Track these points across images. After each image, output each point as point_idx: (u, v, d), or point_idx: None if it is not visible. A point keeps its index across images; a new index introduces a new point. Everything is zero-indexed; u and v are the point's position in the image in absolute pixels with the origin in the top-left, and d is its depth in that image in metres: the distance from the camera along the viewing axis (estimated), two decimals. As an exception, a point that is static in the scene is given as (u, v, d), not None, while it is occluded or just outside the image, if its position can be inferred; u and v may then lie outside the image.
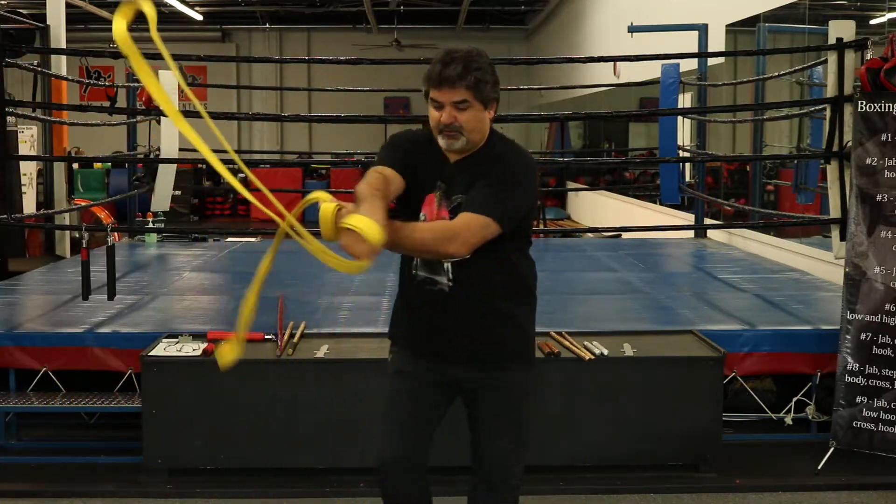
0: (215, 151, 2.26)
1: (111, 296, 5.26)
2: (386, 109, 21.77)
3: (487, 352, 2.81)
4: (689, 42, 8.49)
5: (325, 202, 2.30)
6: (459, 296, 2.75)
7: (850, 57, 5.05)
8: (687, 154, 8.44)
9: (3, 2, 14.53)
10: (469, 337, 2.79)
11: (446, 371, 2.83)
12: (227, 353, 2.49)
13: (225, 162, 2.30)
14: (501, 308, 2.79)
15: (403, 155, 2.74)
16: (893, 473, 4.36)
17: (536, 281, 2.93)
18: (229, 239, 8.94)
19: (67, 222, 8.23)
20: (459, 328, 2.78)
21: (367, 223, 2.26)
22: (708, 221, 8.62)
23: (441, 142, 2.73)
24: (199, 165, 17.57)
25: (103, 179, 17.24)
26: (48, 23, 9.03)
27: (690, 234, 8.86)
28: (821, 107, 5.70)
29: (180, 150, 7.86)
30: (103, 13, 17.38)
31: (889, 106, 4.46)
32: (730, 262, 7.35)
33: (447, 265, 2.75)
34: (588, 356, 4.33)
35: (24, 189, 8.18)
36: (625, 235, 9.97)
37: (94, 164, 17.44)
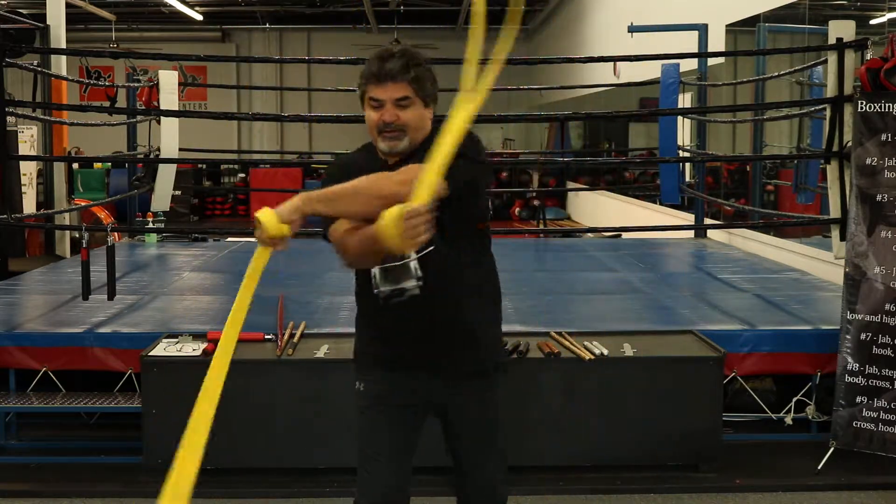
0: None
1: (111, 296, 5.26)
2: (386, 109, 21.74)
3: (463, 356, 2.66)
4: (689, 42, 8.49)
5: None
6: (429, 295, 2.45)
7: (850, 57, 5.05)
8: (687, 154, 8.44)
9: (3, 2, 14.52)
10: (443, 337, 2.63)
11: (418, 388, 2.67)
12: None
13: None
14: (468, 306, 2.64)
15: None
16: (893, 473, 4.35)
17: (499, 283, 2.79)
18: (229, 239, 8.94)
19: (67, 222, 8.23)
20: (432, 327, 2.61)
21: (264, 213, 2.32)
22: (708, 221, 8.61)
23: (382, 144, 2.58)
24: (199, 165, 17.63)
25: (103, 179, 17.23)
26: (48, 23, 9.03)
27: (690, 234, 8.86)
28: (821, 107, 5.70)
29: (180, 150, 7.86)
30: (103, 13, 17.38)
31: (889, 106, 4.46)
32: (730, 262, 7.35)
33: (414, 265, 2.45)
34: (588, 356, 4.33)
35: (24, 189, 8.17)
36: (625, 235, 9.96)
37: (94, 164, 17.44)
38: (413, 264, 2.51)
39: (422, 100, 2.58)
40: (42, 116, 7.86)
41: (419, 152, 2.55)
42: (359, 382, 2.75)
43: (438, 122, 2.66)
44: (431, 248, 2.51)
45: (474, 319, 2.67)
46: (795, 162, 7.29)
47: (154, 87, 7.88)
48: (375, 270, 2.57)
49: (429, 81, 2.60)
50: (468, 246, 2.64)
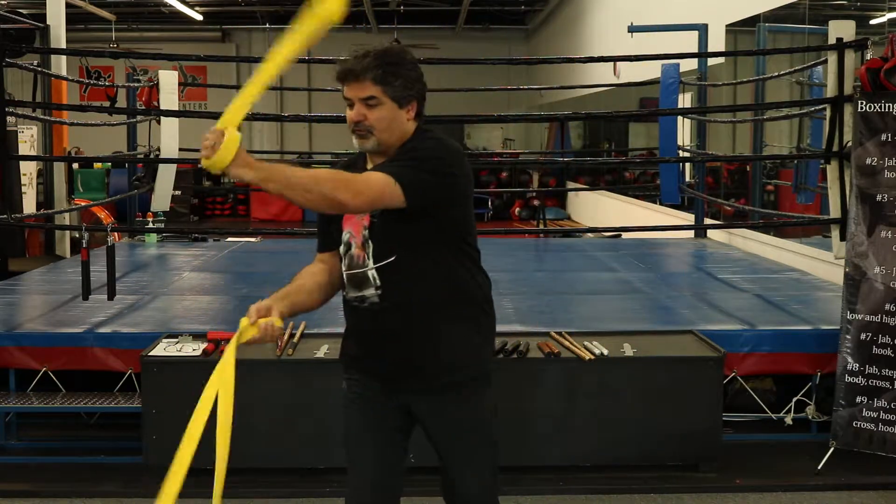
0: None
1: (111, 296, 5.27)
2: (386, 109, 21.76)
3: (427, 370, 2.58)
4: (689, 42, 8.49)
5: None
6: (390, 306, 2.54)
7: (850, 57, 5.05)
8: (687, 154, 8.44)
9: (3, 2, 14.51)
10: (405, 350, 2.57)
11: (396, 394, 2.64)
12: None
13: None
14: (434, 319, 2.55)
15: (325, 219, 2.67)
16: (893, 473, 4.35)
17: (488, 293, 2.67)
18: (229, 239, 8.94)
19: (67, 222, 8.23)
20: (393, 339, 2.57)
21: (230, 143, 2.39)
22: (708, 221, 8.62)
23: (354, 142, 2.55)
24: (199, 165, 17.57)
25: (103, 179, 17.23)
26: (48, 23, 9.03)
27: (690, 234, 8.86)
28: (821, 107, 5.70)
29: (180, 150, 7.85)
30: (103, 13, 17.38)
31: (889, 106, 4.46)
32: (730, 262, 7.35)
33: (372, 274, 2.53)
34: (588, 356, 4.33)
35: (24, 189, 8.17)
36: (625, 235, 9.97)
37: (94, 164, 17.44)
38: (371, 273, 2.55)
39: (392, 100, 2.49)
40: (42, 116, 7.86)
41: (399, 154, 2.51)
42: (344, 381, 2.78)
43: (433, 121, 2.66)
44: (392, 258, 2.52)
45: (439, 332, 2.57)
46: (795, 162, 7.29)
47: (154, 87, 7.88)
48: (344, 275, 2.63)
49: (400, 80, 2.49)
50: (439, 257, 2.55)
